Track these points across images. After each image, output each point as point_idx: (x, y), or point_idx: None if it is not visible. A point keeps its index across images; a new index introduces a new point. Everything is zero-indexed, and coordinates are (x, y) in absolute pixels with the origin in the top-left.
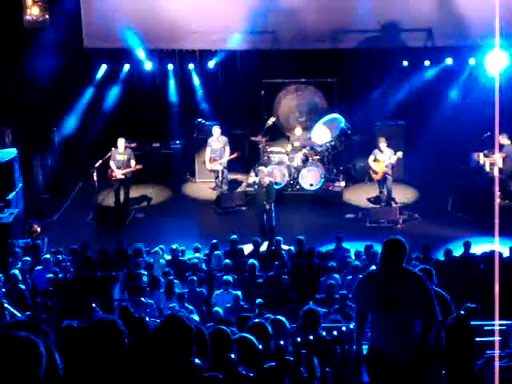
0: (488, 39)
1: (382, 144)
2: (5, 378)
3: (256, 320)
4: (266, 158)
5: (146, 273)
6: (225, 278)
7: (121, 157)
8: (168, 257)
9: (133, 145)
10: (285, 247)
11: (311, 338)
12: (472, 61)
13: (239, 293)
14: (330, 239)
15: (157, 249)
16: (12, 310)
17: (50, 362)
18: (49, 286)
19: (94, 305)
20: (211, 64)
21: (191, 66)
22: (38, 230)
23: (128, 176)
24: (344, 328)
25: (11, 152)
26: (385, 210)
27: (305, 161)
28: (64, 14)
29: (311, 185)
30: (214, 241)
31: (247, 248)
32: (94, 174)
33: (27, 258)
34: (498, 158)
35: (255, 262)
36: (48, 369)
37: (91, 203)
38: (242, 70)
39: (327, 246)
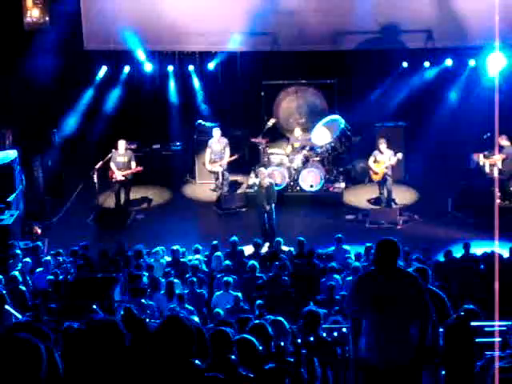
0: (488, 40)
1: (382, 145)
2: (6, 378)
3: (256, 321)
4: (266, 159)
5: (146, 274)
6: (225, 279)
7: (121, 158)
8: (168, 258)
9: (133, 146)
10: (285, 248)
11: (311, 338)
12: (472, 62)
13: (239, 294)
14: (330, 240)
15: (157, 249)
16: (13, 311)
17: (50, 364)
18: (49, 287)
19: (94, 306)
20: (211, 65)
21: (191, 68)
22: (39, 231)
23: (128, 177)
24: (344, 329)
25: (11, 153)
26: (385, 211)
27: (305, 162)
28: (64, 15)
29: (311, 186)
30: (215, 242)
31: (248, 249)
32: (95, 176)
33: (28, 260)
34: (498, 159)
35: (255, 263)
36: (48, 370)
37: (92, 205)
38: (242, 71)
39: (327, 247)
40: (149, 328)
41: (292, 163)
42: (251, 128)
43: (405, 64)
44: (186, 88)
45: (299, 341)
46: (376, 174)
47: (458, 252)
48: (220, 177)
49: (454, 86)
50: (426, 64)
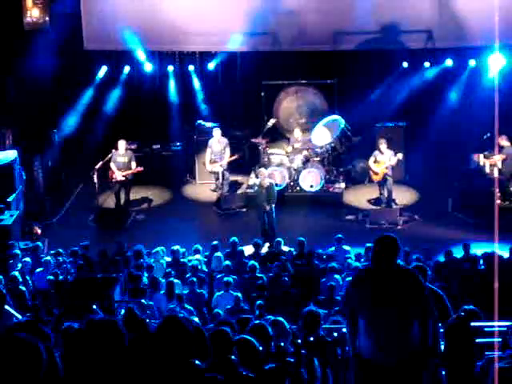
0: (488, 41)
1: (383, 145)
2: (5, 378)
3: (256, 321)
4: (266, 159)
5: (146, 274)
6: (225, 279)
7: (121, 159)
8: (168, 258)
9: (133, 146)
10: (285, 249)
11: (311, 339)
12: (472, 62)
13: (239, 294)
14: (330, 241)
15: (158, 249)
16: (13, 311)
17: (50, 364)
18: (49, 287)
19: (94, 306)
20: (211, 65)
21: (191, 68)
22: (39, 231)
23: (128, 178)
24: (344, 329)
25: (11, 154)
26: (385, 212)
27: (305, 162)
28: (64, 15)
29: (311, 186)
30: (215, 242)
31: (248, 249)
32: (95, 176)
33: (27, 260)
34: (498, 159)
35: (255, 263)
36: (48, 370)
37: (92, 205)
38: (242, 71)
39: (327, 247)
40: (149, 328)
41: (292, 163)
42: (251, 128)
43: (405, 64)
44: (186, 88)
45: (299, 341)
46: (376, 174)
47: (458, 252)
48: (220, 177)
49: (454, 86)
50: (426, 64)
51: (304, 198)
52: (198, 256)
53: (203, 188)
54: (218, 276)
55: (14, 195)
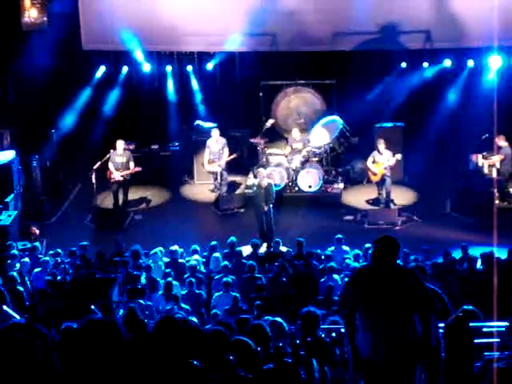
0: (486, 41)
1: (381, 146)
2: (4, 378)
3: (255, 322)
4: (264, 159)
5: (144, 275)
6: (225, 279)
7: (119, 159)
8: (166, 259)
9: (131, 146)
10: (284, 249)
11: (310, 339)
12: (470, 63)
13: (237, 295)
14: (329, 241)
15: (156, 250)
16: (11, 311)
17: (48, 364)
18: (47, 288)
19: (92, 307)
20: (210, 66)
21: (190, 68)
22: (37, 231)
23: (127, 178)
24: (343, 329)
25: (10, 154)
26: (383, 212)
27: (303, 162)
28: (62, 15)
29: (310, 186)
30: (213, 243)
31: (246, 250)
32: (93, 176)
33: (26, 260)
34: (496, 159)
35: (254, 263)
36: (46, 370)
37: (90, 205)
38: (241, 71)
39: (326, 247)
40: (147, 328)
41: (291, 164)
42: (250, 128)
43: (403, 64)
44: (185, 88)
45: (297, 341)
46: (375, 174)
47: (456, 253)
48: (218, 177)
49: (453, 86)
50: (425, 64)
51: (302, 198)
52: (196, 256)
53: (201, 188)
54: (217, 276)
55: (12, 195)
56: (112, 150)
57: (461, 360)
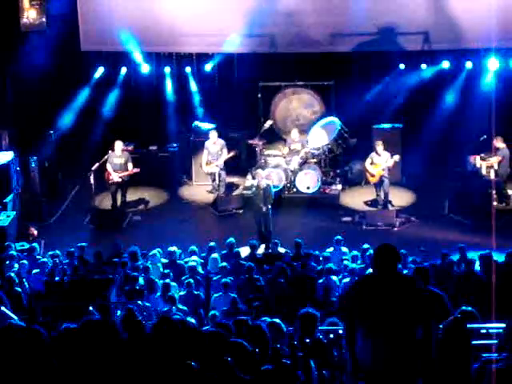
0: (484, 43)
1: (379, 147)
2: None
3: (253, 323)
4: (262, 160)
5: (142, 276)
6: (223, 280)
7: (118, 160)
8: (165, 260)
9: (130, 148)
10: (282, 250)
11: (308, 340)
12: (468, 64)
13: (235, 296)
14: (327, 242)
15: (154, 251)
16: (9, 313)
17: (46, 364)
18: (45, 288)
19: (90, 308)
20: (208, 67)
21: (188, 69)
22: (35, 232)
23: (125, 179)
24: (341, 331)
25: (8, 155)
26: (381, 213)
27: (302, 164)
28: (61, 16)
29: (308, 188)
30: (211, 244)
31: (244, 251)
32: (91, 177)
33: (24, 261)
34: (494, 161)
35: (252, 264)
36: (44, 371)
37: (88, 206)
38: (239, 73)
39: (324, 248)
40: (145, 329)
41: (289, 165)
42: (248, 130)
43: (402, 66)
44: (183, 89)
45: (296, 343)
46: (373, 176)
47: (454, 254)
48: (216, 178)
49: (451, 88)
50: (423, 66)
51: (301, 199)
52: (194, 257)
53: (200, 189)
54: (215, 278)
55: (10, 196)
56: (110, 151)
57: (458, 361)
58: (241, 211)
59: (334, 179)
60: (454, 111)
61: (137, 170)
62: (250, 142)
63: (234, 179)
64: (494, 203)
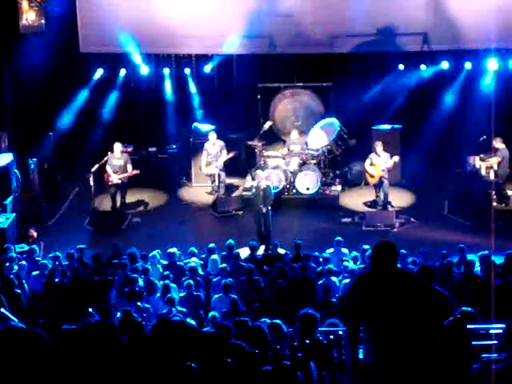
0: (483, 43)
1: (379, 148)
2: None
3: (253, 324)
4: (262, 162)
5: (142, 277)
6: (224, 281)
7: (117, 161)
8: (164, 261)
9: (129, 149)
10: (281, 251)
11: (308, 341)
12: (468, 65)
13: (235, 297)
14: (327, 243)
15: (154, 253)
16: (9, 315)
17: (46, 367)
18: (45, 290)
19: (90, 309)
20: (207, 68)
21: (187, 71)
22: (35, 234)
23: (124, 181)
24: (341, 332)
25: (7, 157)
26: (381, 214)
27: (301, 165)
28: (60, 18)
29: (307, 189)
30: (211, 245)
31: (244, 252)
32: (91, 179)
33: (23, 263)
34: (494, 162)
35: (252, 265)
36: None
37: (88, 208)
38: (239, 74)
39: (324, 249)
40: (145, 331)
41: (288, 166)
42: (247, 131)
43: (401, 66)
44: (183, 91)
45: (295, 343)
46: (372, 176)
47: (453, 255)
48: (216, 179)
49: (450, 88)
50: (422, 67)
51: (300, 200)
52: (194, 259)
53: (199, 191)
54: (215, 279)
55: (10, 198)
56: (110, 153)
57: (459, 362)
58: (240, 212)
59: (334, 180)
60: (454, 112)
61: (136, 171)
62: (250, 143)
63: (234, 180)
64: (494, 204)
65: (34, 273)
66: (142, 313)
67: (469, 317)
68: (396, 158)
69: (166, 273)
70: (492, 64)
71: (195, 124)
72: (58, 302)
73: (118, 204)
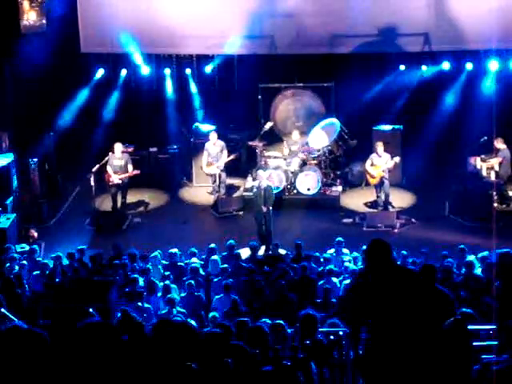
0: (484, 44)
1: (380, 148)
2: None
3: (254, 324)
4: (263, 162)
5: (143, 278)
6: (224, 282)
7: (118, 162)
8: (165, 262)
9: (130, 149)
10: (282, 252)
11: (308, 342)
12: (469, 65)
13: (236, 297)
14: (328, 244)
15: (155, 253)
16: (9, 315)
17: (46, 367)
18: (45, 290)
19: (91, 310)
20: (208, 69)
21: (188, 71)
22: (35, 234)
23: (125, 181)
24: (341, 332)
25: (8, 157)
26: (382, 215)
27: (302, 165)
28: (61, 18)
29: (308, 189)
30: (212, 245)
31: (244, 252)
32: (91, 179)
33: (24, 263)
34: (495, 162)
35: (252, 266)
36: (44, 373)
37: (88, 208)
38: (239, 74)
39: (324, 250)
40: (145, 331)
41: (289, 166)
42: (248, 131)
43: (402, 67)
44: (183, 91)
45: (296, 344)
46: (373, 177)
47: (454, 256)
48: (217, 179)
49: (451, 89)
50: (423, 67)
51: (301, 200)
52: (194, 259)
53: (200, 191)
54: (215, 279)
55: (10, 198)
56: (110, 153)
57: (459, 363)
58: (241, 213)
59: (335, 180)
60: (455, 112)
61: (137, 171)
62: (251, 143)
63: (235, 181)
64: (495, 204)
65: (35, 273)
66: (143, 313)
67: (468, 318)
68: (397, 159)
69: (167, 273)
70: (493, 65)
71: (196, 124)
72: (59, 302)
73: (119, 204)
